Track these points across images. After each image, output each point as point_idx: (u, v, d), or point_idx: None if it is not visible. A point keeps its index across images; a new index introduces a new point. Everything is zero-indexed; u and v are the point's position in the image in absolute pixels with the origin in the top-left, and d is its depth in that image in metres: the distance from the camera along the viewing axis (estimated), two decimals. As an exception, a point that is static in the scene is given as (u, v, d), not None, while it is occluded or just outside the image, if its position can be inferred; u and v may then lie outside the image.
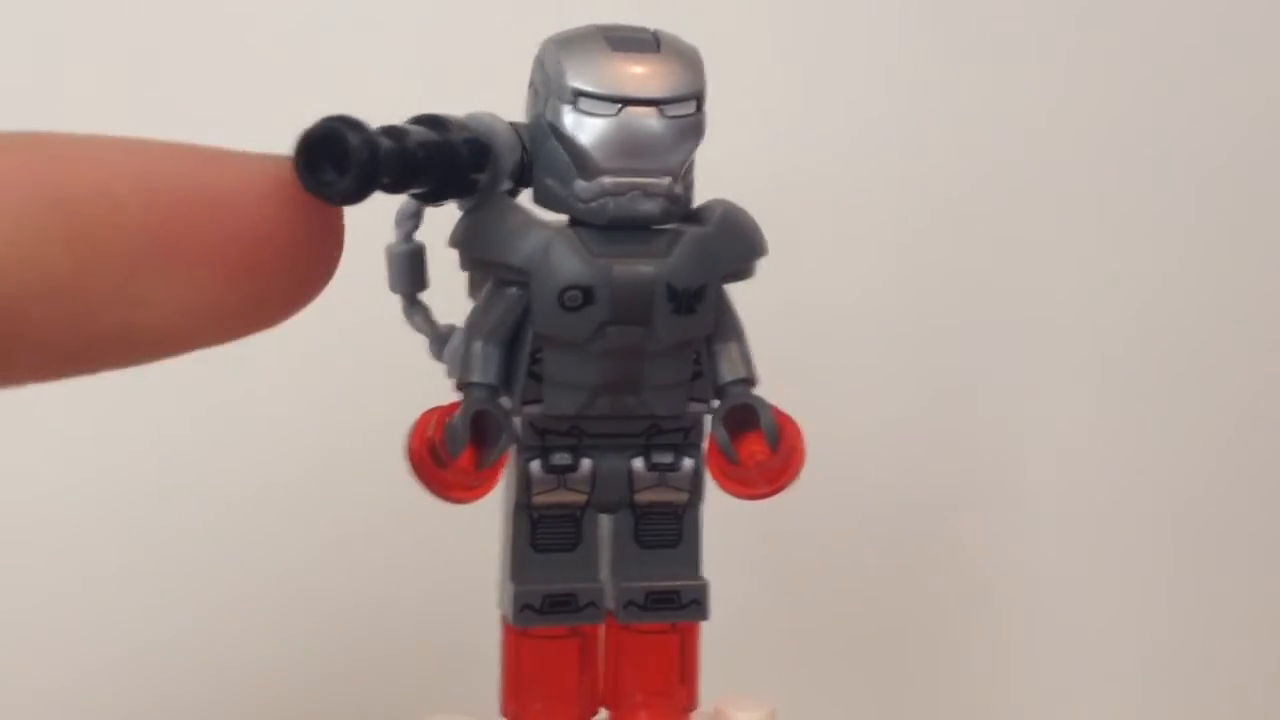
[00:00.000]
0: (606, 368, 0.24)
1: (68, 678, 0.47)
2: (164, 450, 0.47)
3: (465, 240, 0.25)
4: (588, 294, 0.24)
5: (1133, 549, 0.54)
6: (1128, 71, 0.51)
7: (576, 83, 0.23)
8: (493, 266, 0.24)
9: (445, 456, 0.23)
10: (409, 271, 0.26)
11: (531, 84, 0.25)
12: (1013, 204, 0.51)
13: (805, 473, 0.53)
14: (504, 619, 0.26)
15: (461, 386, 0.24)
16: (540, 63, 0.24)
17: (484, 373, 0.24)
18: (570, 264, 0.24)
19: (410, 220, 0.25)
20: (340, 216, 0.16)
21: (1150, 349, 0.53)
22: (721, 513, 0.48)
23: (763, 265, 0.25)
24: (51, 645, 0.47)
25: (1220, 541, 0.54)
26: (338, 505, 0.47)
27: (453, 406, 0.24)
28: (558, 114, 0.23)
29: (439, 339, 0.26)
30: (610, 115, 0.23)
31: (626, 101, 0.23)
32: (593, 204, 0.23)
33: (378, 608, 0.48)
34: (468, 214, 0.25)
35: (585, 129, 0.23)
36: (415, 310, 0.26)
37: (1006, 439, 0.52)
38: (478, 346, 0.24)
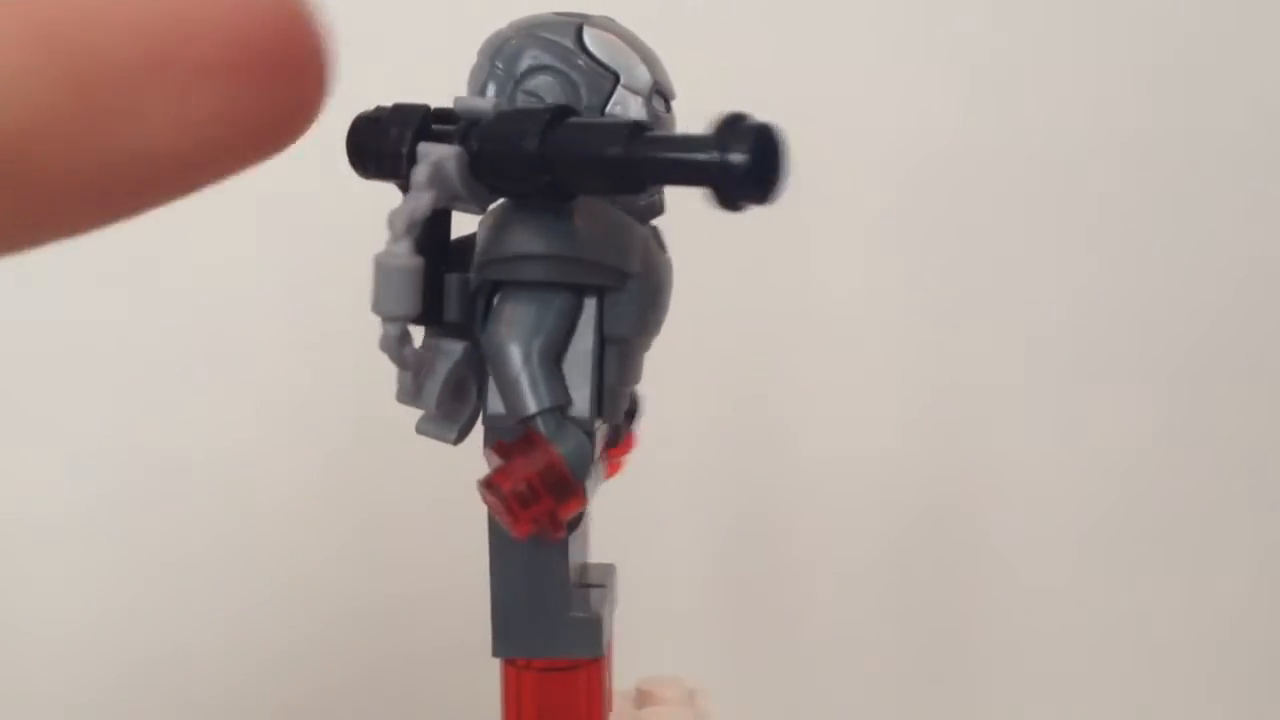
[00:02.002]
0: (641, 365, 0.24)
1: (80, 681, 0.47)
2: (177, 458, 0.47)
3: (555, 242, 0.21)
4: (661, 290, 0.23)
5: (1127, 553, 0.54)
6: (1120, 83, 0.52)
7: (657, 77, 0.22)
8: (594, 270, 0.22)
9: (579, 484, 0.21)
10: (412, 290, 0.20)
11: (546, 69, 0.22)
12: (1010, 210, 0.51)
13: (803, 473, 0.53)
14: (535, 660, 0.24)
15: (533, 415, 0.21)
16: (561, 49, 0.22)
17: (559, 393, 0.22)
18: (660, 262, 0.23)
19: (418, 226, 0.20)
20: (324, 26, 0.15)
21: (1146, 355, 0.53)
22: (724, 513, 0.48)
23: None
24: (62, 650, 0.47)
25: (1217, 544, 0.54)
26: (349, 512, 0.47)
27: (528, 441, 0.21)
28: (628, 107, 0.22)
29: (417, 375, 0.22)
30: (666, 111, 0.23)
31: (670, 99, 0.23)
32: (645, 201, 0.23)
33: (386, 611, 0.48)
34: (523, 212, 0.22)
35: (657, 125, 0.22)
36: (408, 339, 0.21)
37: (1001, 440, 0.52)
38: (544, 366, 0.22)
